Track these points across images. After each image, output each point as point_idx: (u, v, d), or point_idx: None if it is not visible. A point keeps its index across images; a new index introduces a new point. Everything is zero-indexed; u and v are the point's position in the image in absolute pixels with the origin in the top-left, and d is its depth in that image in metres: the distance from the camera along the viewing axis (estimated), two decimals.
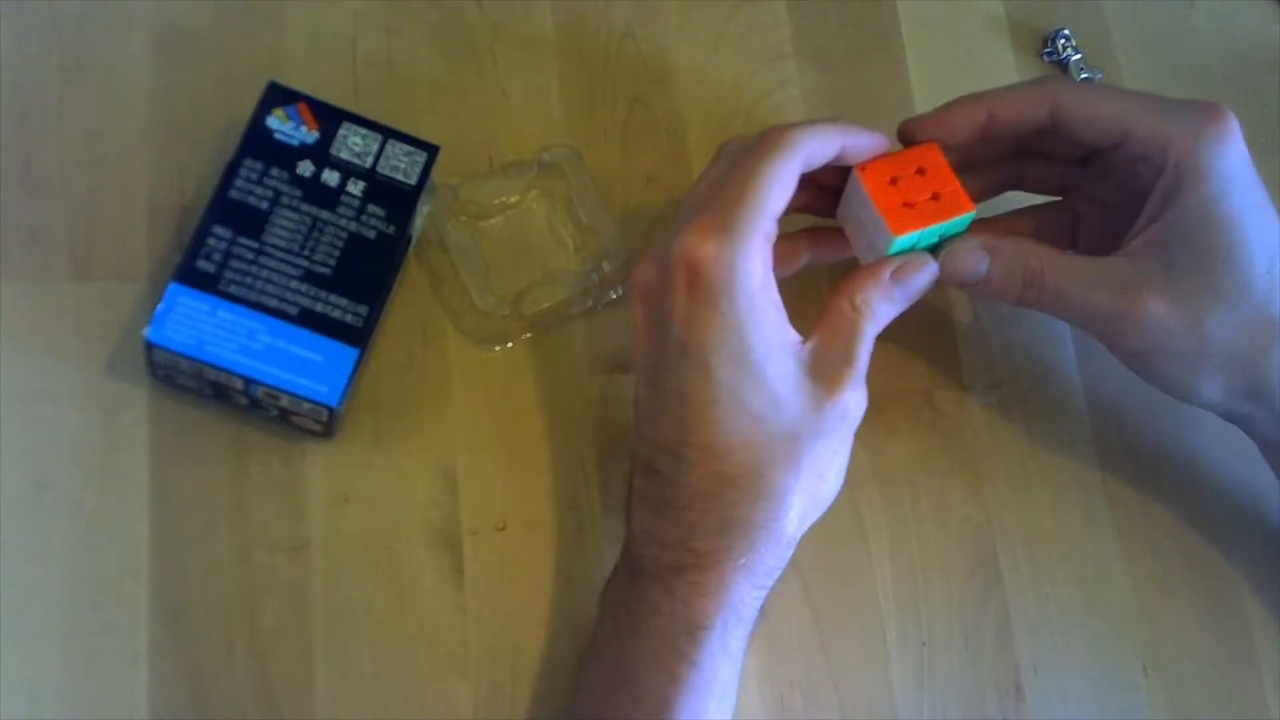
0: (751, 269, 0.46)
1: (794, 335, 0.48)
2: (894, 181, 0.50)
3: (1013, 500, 0.58)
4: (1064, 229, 0.56)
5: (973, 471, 0.58)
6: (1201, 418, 0.56)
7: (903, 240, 0.50)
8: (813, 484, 0.47)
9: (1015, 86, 0.53)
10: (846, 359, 0.48)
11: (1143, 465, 0.60)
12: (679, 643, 0.46)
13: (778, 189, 0.47)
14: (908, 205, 0.50)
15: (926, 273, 0.51)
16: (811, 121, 0.50)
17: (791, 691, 0.53)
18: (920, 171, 0.51)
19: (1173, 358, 0.51)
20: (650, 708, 0.46)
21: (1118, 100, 0.51)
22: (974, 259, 0.51)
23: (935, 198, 0.50)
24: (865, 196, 0.50)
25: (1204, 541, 0.59)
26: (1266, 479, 0.57)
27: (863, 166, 0.51)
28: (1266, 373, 0.50)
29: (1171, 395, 0.53)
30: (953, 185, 0.51)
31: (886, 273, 0.50)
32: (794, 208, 0.54)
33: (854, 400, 0.48)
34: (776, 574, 0.48)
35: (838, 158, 0.50)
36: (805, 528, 0.48)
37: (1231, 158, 0.49)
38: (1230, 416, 0.54)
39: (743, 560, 0.46)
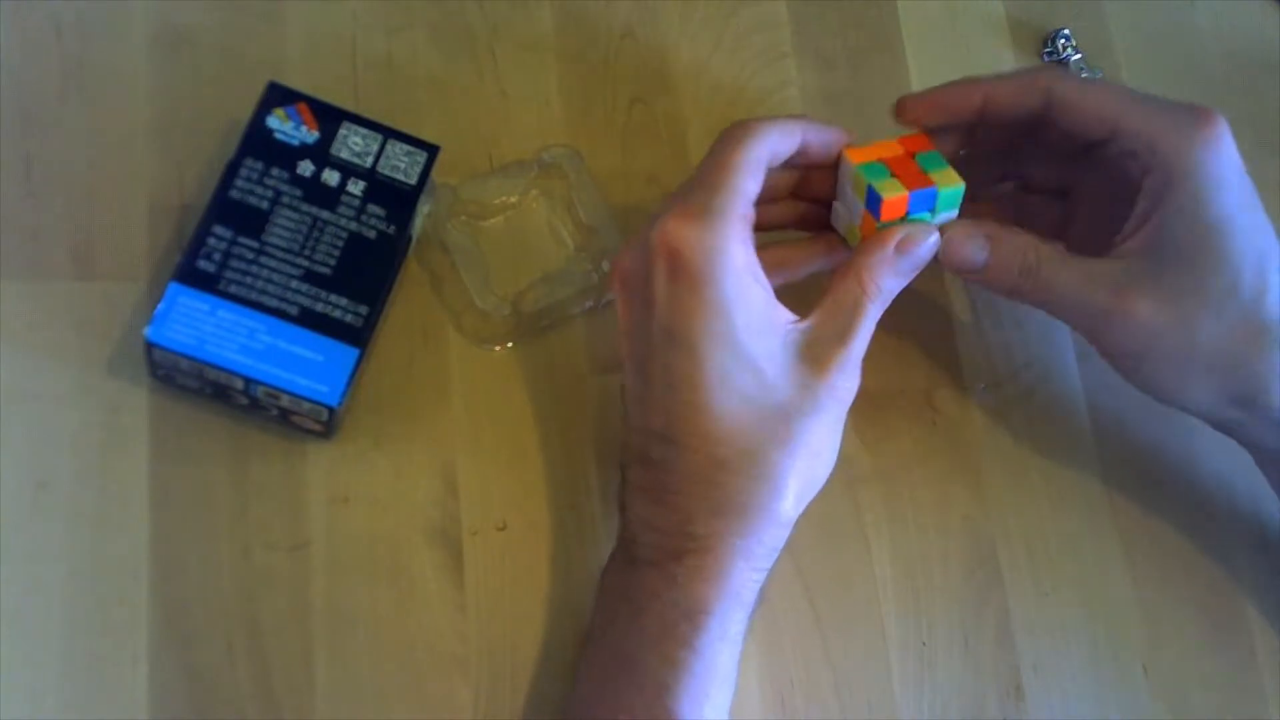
0: (732, 249, 0.46)
1: (784, 315, 0.48)
2: (881, 159, 0.51)
3: (1013, 500, 0.58)
4: (1054, 224, 0.56)
5: (973, 471, 0.58)
6: None
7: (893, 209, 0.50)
8: (808, 463, 0.47)
9: (1011, 73, 0.54)
10: (840, 338, 0.48)
11: (1143, 465, 0.60)
12: (679, 628, 0.46)
13: (748, 173, 0.48)
14: (895, 176, 0.50)
15: (930, 241, 0.50)
16: (771, 116, 0.51)
17: (791, 691, 0.53)
18: (909, 154, 0.51)
19: (1161, 359, 0.51)
20: (650, 693, 0.46)
21: (1109, 94, 0.52)
22: (974, 248, 0.51)
23: (923, 172, 0.51)
24: (852, 170, 0.51)
25: (1204, 541, 0.59)
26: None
27: (850, 149, 0.51)
28: (1255, 377, 0.50)
29: (1158, 399, 0.53)
30: (941, 163, 0.51)
31: (892, 243, 0.49)
32: (789, 222, 0.54)
33: (842, 381, 0.48)
34: (774, 555, 0.48)
35: (800, 151, 0.50)
36: (802, 508, 0.48)
37: (1221, 160, 0.49)
38: (1220, 423, 0.54)
39: (740, 542, 0.46)
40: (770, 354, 0.47)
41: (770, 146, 0.49)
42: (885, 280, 0.49)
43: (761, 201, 0.50)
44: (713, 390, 0.46)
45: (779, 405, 0.47)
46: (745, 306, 0.46)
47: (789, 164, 0.51)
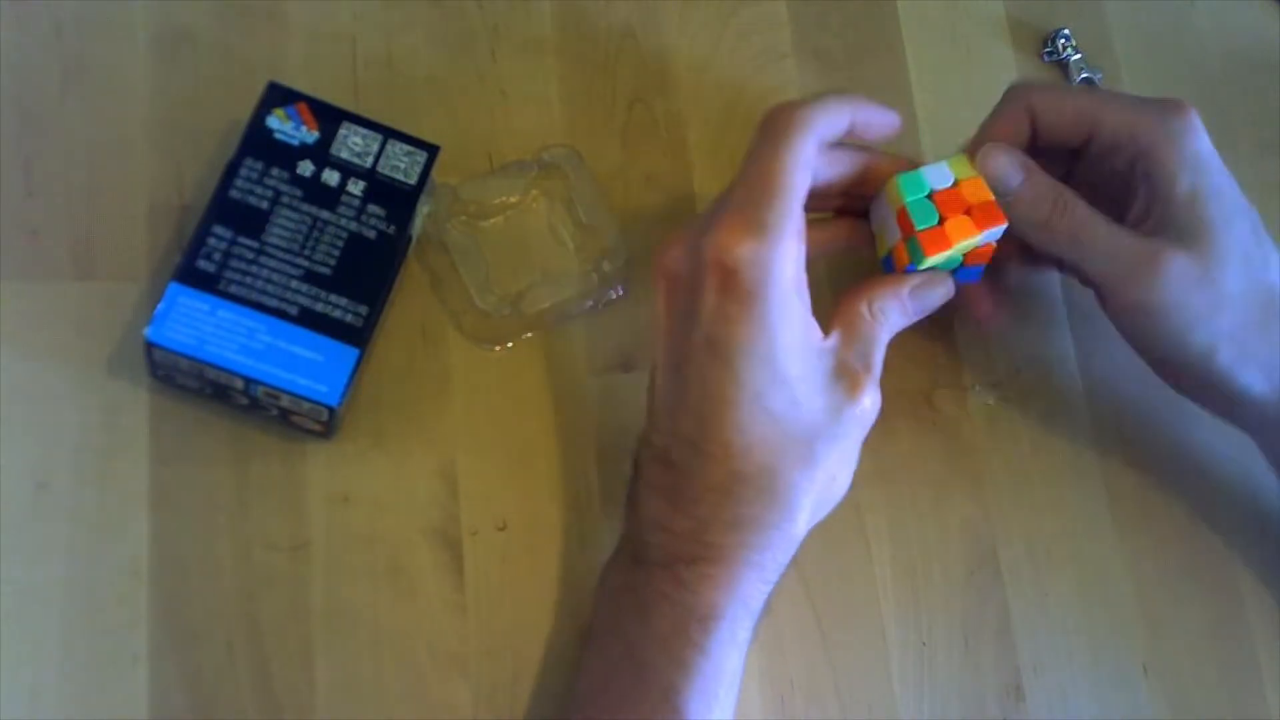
0: (784, 270, 0.46)
1: (818, 334, 0.48)
2: (930, 195, 0.50)
3: (1013, 500, 0.58)
4: None
5: (973, 471, 0.58)
6: (1203, 416, 0.56)
7: (933, 260, 0.50)
8: (825, 486, 0.48)
9: (994, 115, 0.54)
10: (865, 364, 0.49)
11: (1143, 465, 0.60)
12: (689, 631, 0.46)
13: (799, 175, 0.47)
14: (942, 221, 0.50)
15: (941, 291, 0.52)
16: (819, 96, 0.49)
17: (791, 691, 0.53)
18: (956, 183, 0.51)
19: (1181, 309, 0.51)
20: (658, 692, 0.46)
21: (1084, 97, 0.54)
22: (1011, 168, 0.52)
23: (969, 212, 0.50)
24: (898, 205, 0.50)
25: (1204, 541, 0.59)
26: (1267, 478, 0.57)
27: (898, 173, 0.51)
28: (1262, 345, 0.52)
29: (1153, 350, 0.53)
30: (986, 197, 0.50)
31: (906, 289, 0.51)
32: (830, 206, 0.54)
33: (870, 403, 0.49)
34: (783, 569, 0.49)
35: (849, 133, 0.50)
36: (811, 526, 0.49)
37: (1201, 142, 0.51)
38: (1207, 379, 0.53)
39: (752, 555, 0.47)
40: (805, 375, 0.47)
41: (819, 137, 0.48)
42: (893, 317, 0.51)
43: (812, 199, 0.49)
44: (745, 406, 0.46)
45: (806, 426, 0.47)
46: (788, 327, 0.46)
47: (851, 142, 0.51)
